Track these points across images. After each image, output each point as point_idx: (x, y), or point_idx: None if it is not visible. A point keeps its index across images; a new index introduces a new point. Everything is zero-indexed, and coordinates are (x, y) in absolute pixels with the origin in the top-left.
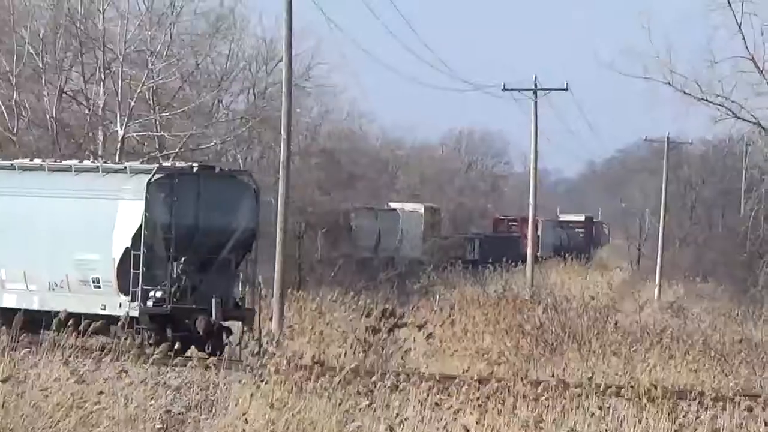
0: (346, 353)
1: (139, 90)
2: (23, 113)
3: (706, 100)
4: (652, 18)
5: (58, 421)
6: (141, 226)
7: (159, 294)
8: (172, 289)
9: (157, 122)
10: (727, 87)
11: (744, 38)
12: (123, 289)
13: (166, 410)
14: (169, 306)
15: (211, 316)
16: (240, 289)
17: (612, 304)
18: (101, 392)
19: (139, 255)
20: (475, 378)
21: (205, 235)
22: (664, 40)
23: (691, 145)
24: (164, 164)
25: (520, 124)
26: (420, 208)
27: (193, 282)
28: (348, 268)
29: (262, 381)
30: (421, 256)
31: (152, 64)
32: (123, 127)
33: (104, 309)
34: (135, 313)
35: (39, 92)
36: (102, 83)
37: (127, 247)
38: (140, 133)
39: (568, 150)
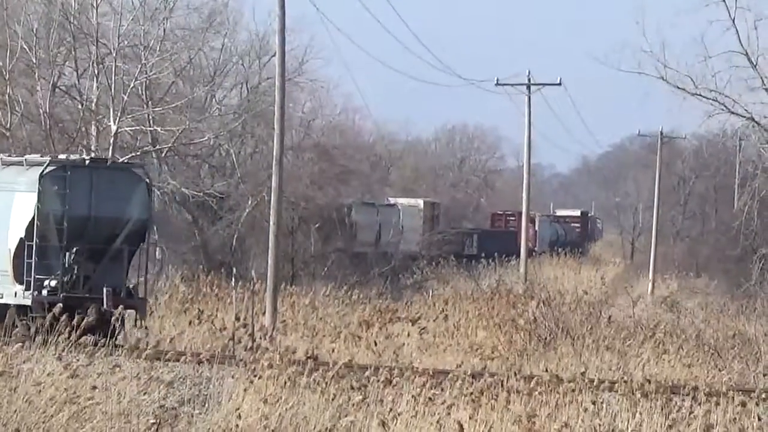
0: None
1: (132, 85)
2: (16, 108)
3: (700, 95)
4: (646, 13)
5: (52, 415)
6: (34, 217)
7: (53, 283)
8: (65, 279)
9: (150, 117)
10: (721, 82)
11: (737, 33)
12: (18, 278)
13: (160, 405)
14: (62, 295)
15: (102, 304)
16: (133, 277)
17: (605, 299)
18: (94, 387)
19: (32, 245)
20: (469, 373)
21: (98, 226)
22: (658, 35)
23: (685, 139)
24: (58, 157)
25: (513, 119)
26: (419, 202)
27: (86, 271)
28: (341, 263)
29: (255, 376)
30: (421, 251)
31: (145, 59)
32: (116, 122)
33: (1, 298)
34: (28, 302)
35: (32, 87)
36: (95, 78)
37: (21, 238)
38: (133, 128)
39: (562, 145)
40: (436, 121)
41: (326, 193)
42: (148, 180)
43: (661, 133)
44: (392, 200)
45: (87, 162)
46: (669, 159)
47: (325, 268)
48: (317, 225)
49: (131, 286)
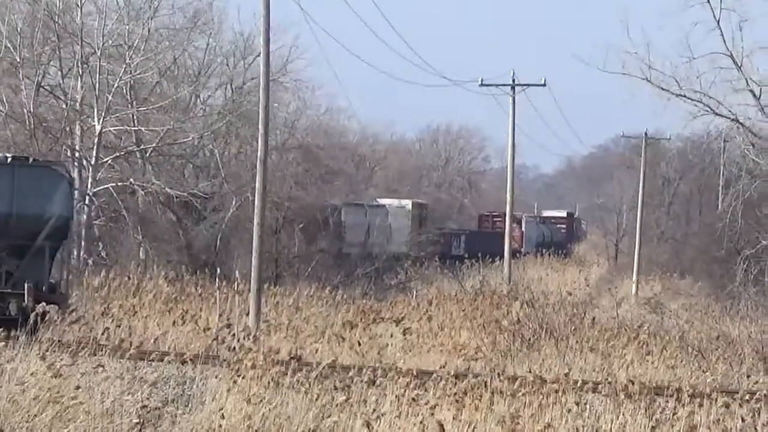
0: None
1: (116, 84)
2: (0, 108)
3: (684, 96)
4: (631, 14)
5: (35, 415)
6: None
7: None
8: None
9: (135, 117)
10: (705, 83)
11: (722, 34)
12: None
13: (143, 405)
14: None
15: (24, 300)
16: (57, 273)
17: (589, 300)
18: (78, 387)
19: None
20: (452, 373)
21: (20, 223)
22: (643, 36)
23: (669, 141)
24: None
25: (497, 120)
26: (408, 203)
27: (9, 267)
28: (325, 264)
29: (238, 376)
30: (409, 251)
31: (130, 59)
32: (100, 122)
33: None
34: None
35: (16, 87)
36: (79, 78)
37: None
38: (117, 128)
39: (546, 146)
40: (421, 122)
41: (310, 193)
42: (69, 178)
43: (646, 135)
44: (381, 201)
45: (9, 160)
46: (653, 160)
47: (309, 269)
48: (301, 225)
49: (54, 282)
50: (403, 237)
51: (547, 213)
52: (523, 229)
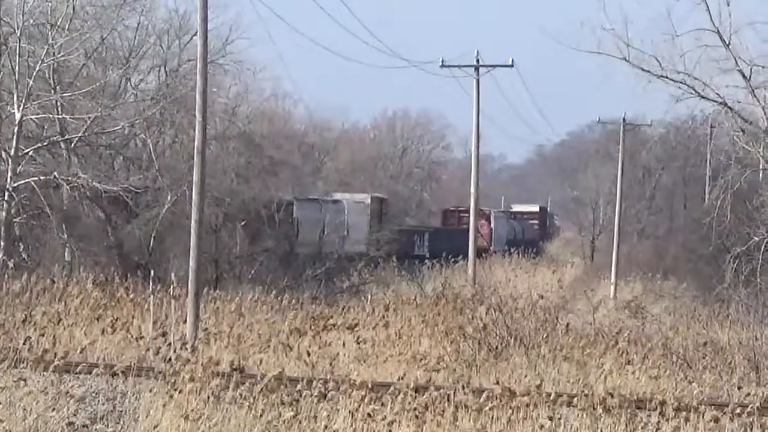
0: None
1: (38, 68)
2: None
3: (666, 78)
4: None
5: None
6: None
7: None
8: None
9: (59, 103)
10: (690, 63)
11: (708, 8)
12: None
13: (69, 422)
14: None
15: None
16: None
17: (563, 304)
18: None
19: None
20: (412, 386)
21: None
22: (620, 11)
23: (650, 127)
24: None
25: (460, 105)
26: (366, 198)
27: None
28: (271, 265)
29: (175, 389)
30: (367, 251)
31: (53, 39)
32: (20, 109)
33: None
34: None
35: None
36: None
37: None
38: (39, 116)
39: (514, 133)
40: (375, 108)
41: (254, 187)
42: None
43: (624, 120)
44: (336, 195)
45: None
46: (633, 148)
47: (253, 271)
48: (244, 222)
49: None
50: (361, 235)
51: (517, 208)
52: (492, 225)
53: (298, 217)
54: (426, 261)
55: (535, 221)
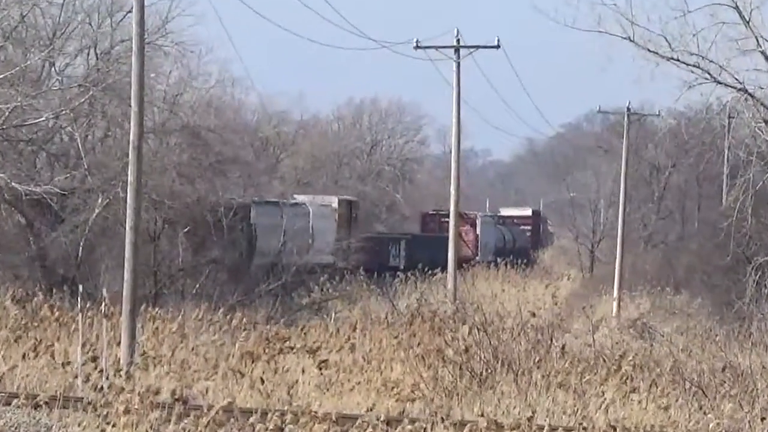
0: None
1: None
2: None
3: (677, 60)
4: None
5: None
6: None
7: None
8: None
9: None
10: (704, 43)
11: None
12: None
13: None
14: None
15: None
16: None
17: (558, 323)
18: None
19: None
20: (383, 418)
21: None
22: None
23: (659, 117)
24: None
25: (438, 92)
26: (333, 200)
27: None
28: (219, 278)
29: (107, 423)
30: (334, 262)
31: None
32: None
33: None
34: None
35: None
36: None
37: None
38: None
39: (501, 125)
40: (339, 96)
41: (198, 188)
42: None
43: (628, 109)
44: (300, 198)
45: None
46: (638, 142)
47: (198, 285)
48: (187, 229)
49: None
50: (327, 243)
51: (506, 211)
52: (478, 231)
53: (255, 224)
54: (403, 273)
55: (527, 227)
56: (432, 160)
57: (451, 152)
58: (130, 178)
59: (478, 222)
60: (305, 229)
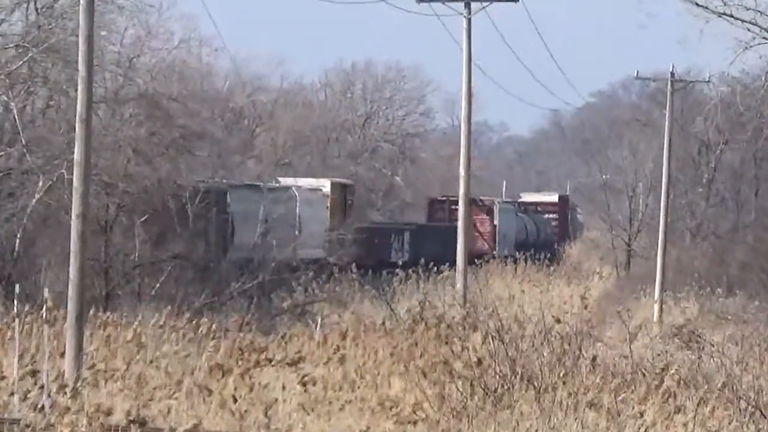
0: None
1: None
2: None
3: (730, 16)
4: None
5: None
6: None
7: None
8: None
9: None
10: None
11: None
12: None
13: None
14: None
15: None
16: None
17: (588, 330)
18: None
19: None
20: None
21: None
22: None
23: (708, 84)
24: None
25: (445, 55)
26: (325, 184)
27: None
28: (182, 276)
29: None
30: (327, 257)
31: None
32: None
33: None
34: None
35: None
36: None
37: None
38: None
39: (521, 94)
40: (327, 59)
41: (159, 169)
42: None
43: (672, 75)
44: (284, 181)
45: None
46: (684, 115)
47: (158, 285)
48: (145, 218)
49: None
50: (317, 235)
51: (529, 197)
52: (496, 221)
53: (233, 212)
54: (400, 271)
55: (554, 215)
56: (437, 135)
57: (460, 126)
58: (77, 157)
59: (496, 210)
60: (291, 217)
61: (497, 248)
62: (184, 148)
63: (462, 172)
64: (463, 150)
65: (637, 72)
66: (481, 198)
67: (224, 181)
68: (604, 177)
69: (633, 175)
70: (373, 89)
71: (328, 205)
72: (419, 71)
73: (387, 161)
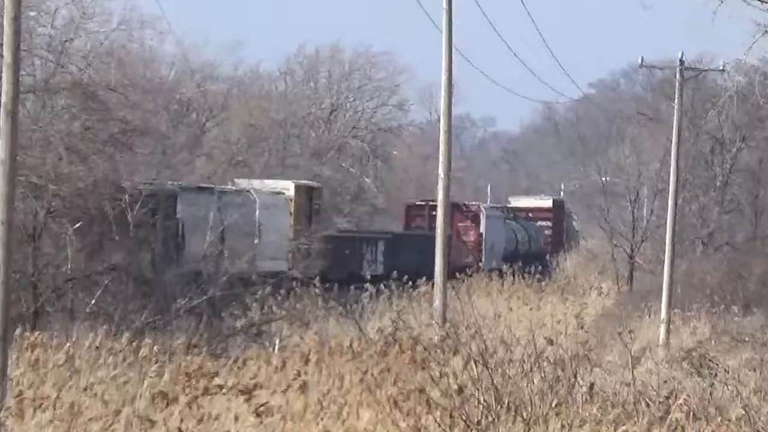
0: None
1: None
2: None
3: None
4: None
5: None
6: None
7: None
8: None
9: None
10: None
11: None
12: None
13: None
14: None
15: None
16: None
17: (585, 354)
18: None
19: None
20: None
21: None
22: None
23: (723, 74)
24: None
25: (422, 39)
26: (288, 186)
27: None
28: (121, 292)
29: None
30: (290, 269)
31: None
32: None
33: None
34: None
35: None
36: None
37: None
38: None
39: (508, 85)
40: (287, 43)
41: (94, 169)
42: None
43: (681, 62)
44: (242, 183)
45: None
46: (696, 108)
47: (93, 301)
48: (78, 225)
49: None
50: (279, 244)
51: (519, 202)
52: (482, 229)
53: (182, 218)
54: (369, 286)
55: (547, 222)
56: (413, 131)
57: (439, 120)
58: (1, 154)
59: (482, 216)
60: (248, 225)
61: (483, 260)
62: (123, 145)
63: (441, 173)
64: (442, 147)
65: (642, 59)
66: (466, 203)
67: (171, 183)
68: (603, 179)
69: (636, 177)
70: (339, 78)
71: (292, 210)
72: (392, 57)
73: (355, 160)
